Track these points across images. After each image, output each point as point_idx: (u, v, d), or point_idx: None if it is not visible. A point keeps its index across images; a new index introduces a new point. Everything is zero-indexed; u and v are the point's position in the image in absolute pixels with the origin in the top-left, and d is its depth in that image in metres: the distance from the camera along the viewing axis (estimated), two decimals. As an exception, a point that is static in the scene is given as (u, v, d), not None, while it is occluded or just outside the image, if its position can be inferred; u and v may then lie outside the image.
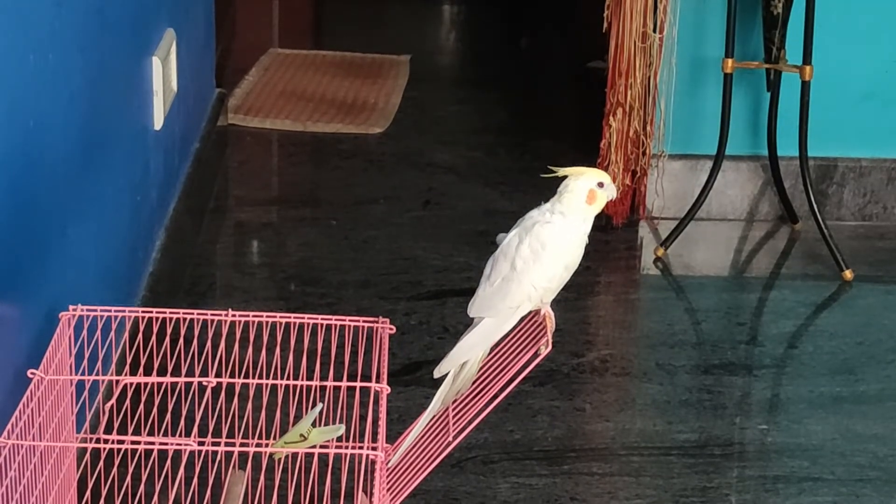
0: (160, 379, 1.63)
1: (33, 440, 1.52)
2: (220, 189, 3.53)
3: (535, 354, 1.70)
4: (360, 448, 1.61)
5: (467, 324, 1.76)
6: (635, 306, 3.07)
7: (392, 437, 1.90)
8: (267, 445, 1.71)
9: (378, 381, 1.66)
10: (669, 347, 2.80)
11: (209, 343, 1.76)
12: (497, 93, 4.33)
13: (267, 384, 1.66)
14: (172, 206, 2.91)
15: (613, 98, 3.29)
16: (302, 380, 1.72)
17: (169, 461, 1.69)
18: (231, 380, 1.66)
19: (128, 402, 1.73)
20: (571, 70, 4.52)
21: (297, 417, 1.70)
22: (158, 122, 2.70)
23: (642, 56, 3.25)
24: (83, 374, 1.74)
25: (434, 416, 1.80)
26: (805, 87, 3.18)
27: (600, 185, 1.71)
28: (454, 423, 1.76)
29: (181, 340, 1.85)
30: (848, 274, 3.13)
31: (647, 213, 3.42)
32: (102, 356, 1.81)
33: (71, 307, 1.72)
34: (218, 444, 1.78)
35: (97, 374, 1.79)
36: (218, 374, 1.76)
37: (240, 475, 1.86)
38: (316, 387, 1.77)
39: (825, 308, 3.06)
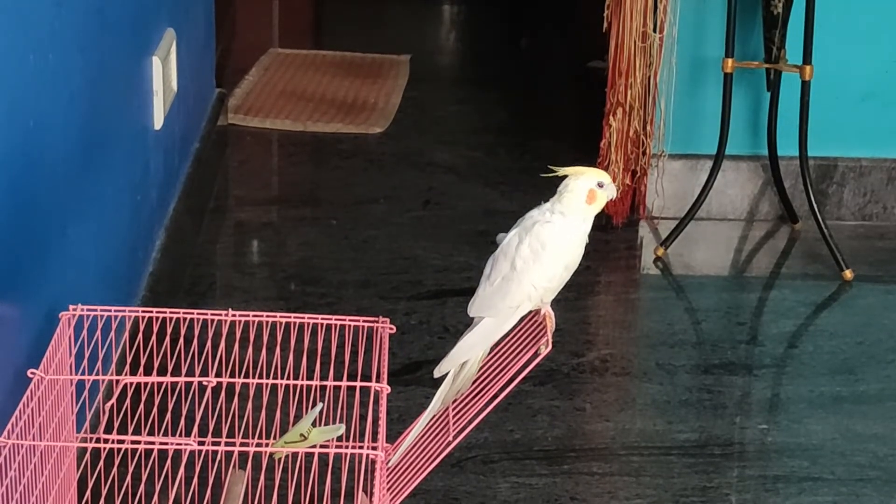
0: (160, 379, 1.63)
1: (33, 440, 1.52)
2: (220, 189, 3.53)
3: (535, 354, 1.70)
4: (361, 448, 1.61)
5: (467, 323, 1.76)
6: (635, 306, 3.07)
7: (392, 436, 1.90)
8: (267, 445, 1.71)
9: (378, 380, 1.66)
10: (669, 347, 2.80)
11: (209, 343, 1.76)
12: (497, 93, 4.33)
13: (267, 384, 1.66)
14: (172, 206, 2.91)
15: (613, 98, 3.29)
16: (302, 379, 1.72)
17: (169, 461, 1.69)
18: (231, 379, 1.66)
19: (128, 401, 1.73)
20: (571, 70, 4.52)
21: (298, 417, 1.70)
22: (158, 122, 2.70)
23: (642, 56, 3.25)
24: (83, 373, 1.74)
25: (434, 416, 1.80)
26: (805, 86, 3.18)
27: (600, 185, 1.71)
28: (454, 423, 1.76)
29: (181, 340, 1.85)
30: (848, 274, 3.13)
31: (647, 212, 3.42)
32: (102, 356, 1.81)
33: (71, 307, 1.72)
34: (218, 443, 1.78)
35: (97, 374, 1.79)
36: (218, 374, 1.76)
37: (240, 475, 1.86)
38: (316, 386, 1.77)
39: (825, 308, 3.06)
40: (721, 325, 2.93)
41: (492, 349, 1.78)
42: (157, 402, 1.76)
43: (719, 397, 2.62)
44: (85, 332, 1.74)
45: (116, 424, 1.68)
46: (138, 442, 1.55)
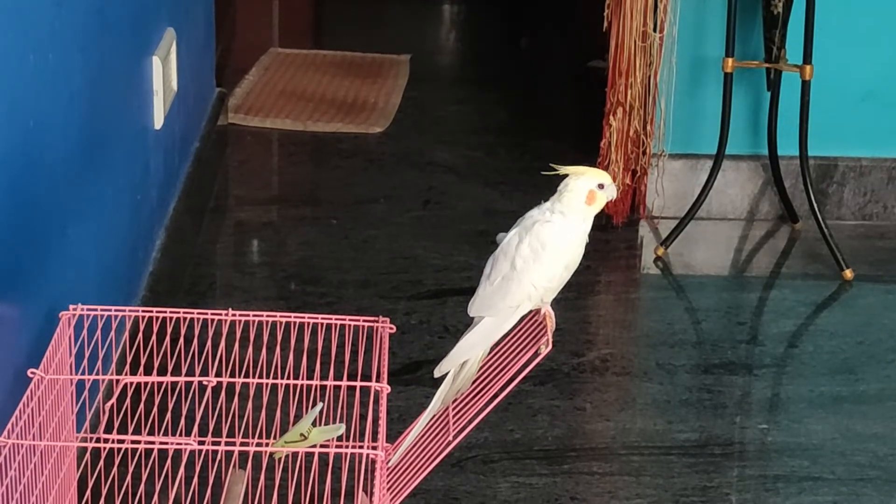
0: (160, 378, 1.63)
1: (33, 440, 1.52)
2: (221, 188, 3.53)
3: (536, 354, 1.70)
4: (361, 447, 1.61)
5: (467, 323, 1.76)
6: (635, 306, 3.07)
7: (392, 436, 1.90)
8: (267, 445, 1.71)
9: (378, 380, 1.66)
10: (670, 347, 2.80)
11: (209, 342, 1.76)
12: (497, 93, 4.33)
13: (267, 384, 1.66)
14: (172, 206, 2.91)
15: (613, 97, 3.29)
16: (302, 379, 1.72)
17: (169, 461, 1.69)
18: (231, 379, 1.66)
19: (128, 401, 1.73)
20: (571, 70, 4.52)
21: (298, 417, 1.70)
22: (158, 122, 2.70)
23: (642, 55, 3.25)
24: (83, 373, 1.74)
25: (434, 416, 1.80)
26: (805, 86, 3.18)
27: (600, 185, 1.71)
28: (454, 423, 1.76)
29: (181, 340, 1.85)
30: (848, 273, 3.13)
31: (648, 212, 3.42)
32: (102, 356, 1.81)
33: (71, 307, 1.72)
34: (218, 443, 1.78)
35: (97, 374, 1.79)
36: (218, 374, 1.76)
37: (240, 474, 1.86)
38: (316, 386, 1.77)
39: (825, 307, 3.06)
40: (721, 325, 2.93)
41: (492, 349, 1.78)
42: (157, 401, 1.76)
43: (719, 397, 2.62)
44: (85, 331, 1.74)
45: (116, 424, 1.68)
46: (138, 442, 1.55)
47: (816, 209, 3.19)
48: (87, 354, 1.74)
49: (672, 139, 3.38)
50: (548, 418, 2.51)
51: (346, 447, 1.63)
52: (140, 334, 1.81)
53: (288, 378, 1.72)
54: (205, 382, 1.61)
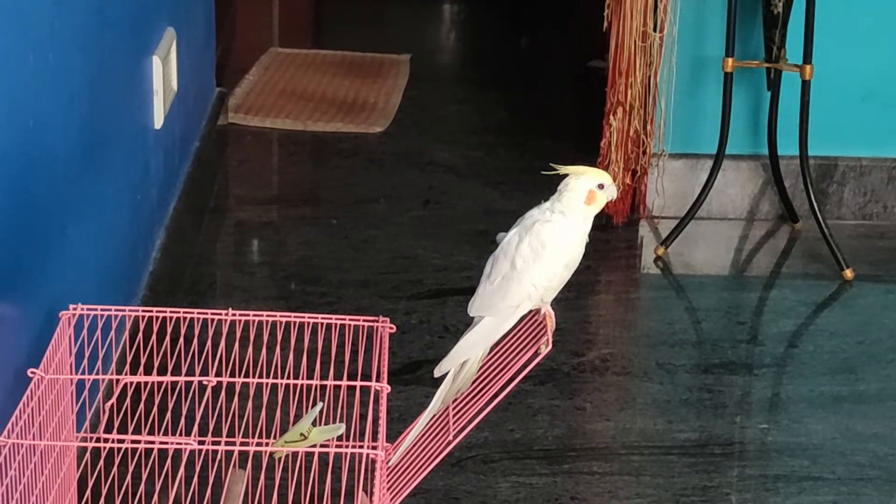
0: (160, 378, 1.63)
1: (33, 439, 1.52)
2: (221, 188, 3.53)
3: (536, 353, 1.70)
4: (361, 447, 1.61)
5: (467, 323, 1.76)
6: (636, 305, 3.07)
7: (392, 436, 1.90)
8: (267, 444, 1.71)
9: (378, 380, 1.66)
10: (670, 346, 2.80)
11: (209, 342, 1.76)
12: (497, 92, 4.33)
13: (267, 383, 1.66)
14: (172, 206, 2.91)
15: (614, 97, 3.29)
16: (302, 379, 1.72)
17: (169, 460, 1.69)
18: (231, 379, 1.66)
19: (128, 401, 1.73)
20: (571, 70, 4.52)
21: (298, 416, 1.70)
22: (158, 122, 2.70)
23: (642, 55, 3.25)
24: (83, 373, 1.74)
25: (434, 416, 1.80)
26: (805, 86, 3.18)
27: (600, 186, 1.71)
28: (454, 423, 1.76)
29: (181, 340, 1.85)
30: (848, 273, 3.13)
31: (648, 212, 3.42)
32: (102, 355, 1.81)
33: (71, 306, 1.72)
34: (218, 443, 1.78)
35: (97, 374, 1.79)
36: (218, 374, 1.76)
37: (240, 474, 1.86)
38: (316, 386, 1.77)
39: (825, 307, 3.06)
40: (721, 325, 2.93)
41: (492, 349, 1.78)
42: (157, 401, 1.76)
43: (719, 397, 2.62)
44: (85, 331, 1.74)
45: (116, 424, 1.68)
46: (138, 441, 1.55)
47: (816, 209, 3.19)
48: (87, 354, 1.74)
49: (672, 139, 3.38)
50: (548, 418, 2.51)
51: (346, 447, 1.63)
52: (140, 334, 1.81)
53: (288, 378, 1.72)
54: (205, 382, 1.61)
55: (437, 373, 1.75)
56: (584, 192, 1.70)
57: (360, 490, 1.60)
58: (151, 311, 1.80)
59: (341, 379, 1.67)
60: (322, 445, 1.60)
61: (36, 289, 1.83)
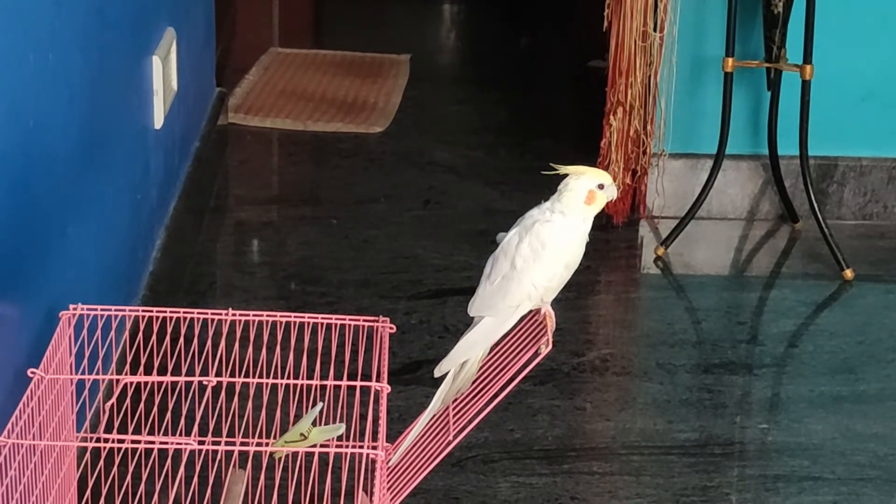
0: (160, 378, 1.63)
1: (33, 439, 1.52)
2: (221, 188, 3.53)
3: (536, 353, 1.70)
4: (361, 447, 1.61)
5: (467, 323, 1.76)
6: (636, 305, 3.07)
7: (392, 436, 1.90)
8: (267, 445, 1.71)
9: (378, 380, 1.66)
10: (670, 346, 2.80)
11: (209, 342, 1.76)
12: (497, 92, 4.33)
13: (267, 383, 1.66)
14: (172, 206, 2.91)
15: (614, 97, 3.29)
16: (302, 379, 1.72)
17: (169, 460, 1.69)
18: (231, 379, 1.66)
19: (128, 401, 1.73)
20: (571, 69, 4.52)
21: (298, 416, 1.70)
22: (158, 122, 2.70)
23: (643, 55, 3.24)
24: (83, 373, 1.74)
25: (434, 416, 1.80)
26: (805, 86, 3.18)
27: (600, 186, 1.71)
28: (454, 423, 1.76)
29: (181, 339, 1.85)
30: (848, 273, 3.13)
31: (648, 212, 3.42)
32: (102, 355, 1.81)
33: (71, 306, 1.72)
34: (218, 443, 1.78)
35: (97, 374, 1.79)
36: (218, 374, 1.76)
37: (240, 474, 1.86)
38: (316, 386, 1.77)
39: (825, 307, 3.06)
40: (721, 325, 2.93)
41: (492, 349, 1.78)
42: (157, 401, 1.76)
43: (719, 397, 2.62)
44: (85, 331, 1.74)
45: (116, 424, 1.68)
46: (138, 441, 1.55)
47: (816, 209, 3.19)
48: (87, 354, 1.74)
49: (672, 139, 3.38)
50: (548, 418, 2.51)
51: (346, 447, 1.63)
52: (140, 334, 1.81)
53: (288, 378, 1.72)
54: (205, 382, 1.61)
55: (437, 373, 1.75)
56: (584, 192, 1.70)
57: (360, 490, 1.60)
58: (151, 311, 1.80)
59: (341, 379, 1.67)
60: (322, 445, 1.60)
61: (36, 289, 1.83)
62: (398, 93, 4.24)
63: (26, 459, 1.50)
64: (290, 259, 3.14)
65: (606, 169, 3.24)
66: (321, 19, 5.31)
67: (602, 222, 3.32)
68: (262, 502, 1.76)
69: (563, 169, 1.72)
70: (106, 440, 1.56)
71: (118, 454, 1.67)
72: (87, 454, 1.74)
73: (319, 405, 1.66)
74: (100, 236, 2.24)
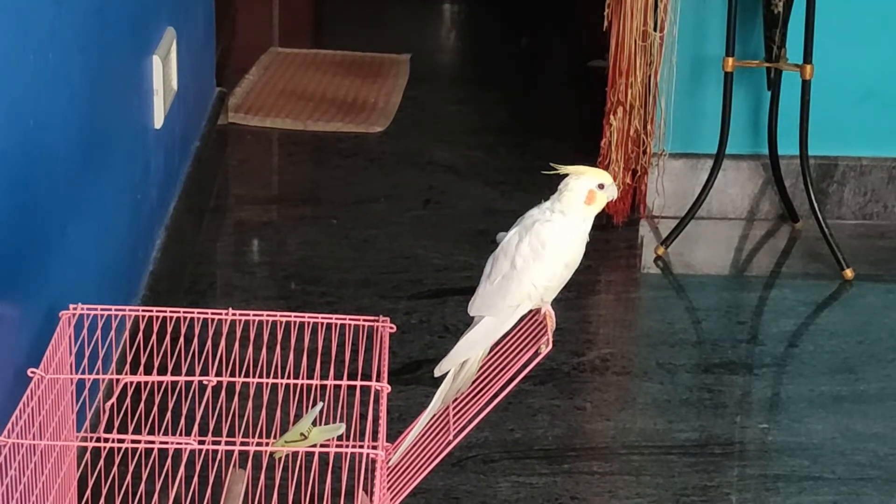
0: (160, 378, 1.63)
1: (33, 439, 1.52)
2: (221, 188, 3.53)
3: (536, 353, 1.70)
4: (361, 447, 1.61)
5: (468, 322, 1.76)
6: (636, 305, 3.07)
7: (392, 435, 1.90)
8: (267, 444, 1.71)
9: (378, 379, 1.66)
10: (670, 346, 2.80)
11: (209, 342, 1.76)
12: (497, 92, 4.33)
13: (267, 383, 1.66)
14: (173, 205, 2.91)
15: (614, 97, 3.29)
16: (302, 379, 1.72)
17: (169, 460, 1.69)
18: (231, 379, 1.66)
19: (128, 400, 1.73)
20: (571, 69, 4.52)
21: (298, 416, 1.70)
22: (159, 122, 2.70)
23: (643, 55, 3.24)
24: (83, 372, 1.74)
25: (434, 415, 1.80)
26: (806, 85, 3.18)
27: (600, 185, 1.71)
28: (454, 422, 1.76)
29: (181, 339, 1.85)
30: (848, 273, 3.13)
31: (648, 211, 3.42)
32: (103, 355, 1.81)
33: (71, 306, 1.72)
34: (218, 442, 1.78)
35: (97, 373, 1.79)
36: (218, 373, 1.76)
37: (240, 474, 1.86)
38: (316, 386, 1.77)
39: (826, 307, 3.06)
40: (721, 325, 2.93)
41: (492, 348, 1.78)
42: (157, 401, 1.76)
43: (720, 396, 2.62)
44: (85, 331, 1.74)
45: (116, 423, 1.68)
46: (138, 441, 1.55)
47: (817, 209, 3.19)
48: (87, 354, 1.74)
49: (672, 139, 3.38)
50: (548, 418, 2.51)
51: (347, 447, 1.63)
52: (140, 334, 1.81)
53: (288, 377, 1.72)
54: (205, 382, 1.61)
55: (437, 372, 1.75)
56: (584, 192, 1.70)
57: (360, 490, 1.60)
58: (151, 311, 1.80)
59: (341, 379, 1.67)
60: (322, 445, 1.60)
61: (36, 289, 1.83)
62: (398, 93, 4.24)
63: (26, 459, 1.50)
64: (290, 259, 3.14)
65: (606, 169, 3.24)
66: (321, 19, 5.32)
67: (602, 222, 3.32)
68: (263, 502, 1.76)
69: (563, 169, 1.72)
70: (106, 440, 1.56)
71: (118, 454, 1.67)
72: (87, 454, 1.74)
73: (319, 405, 1.66)
74: (100, 236, 2.24)
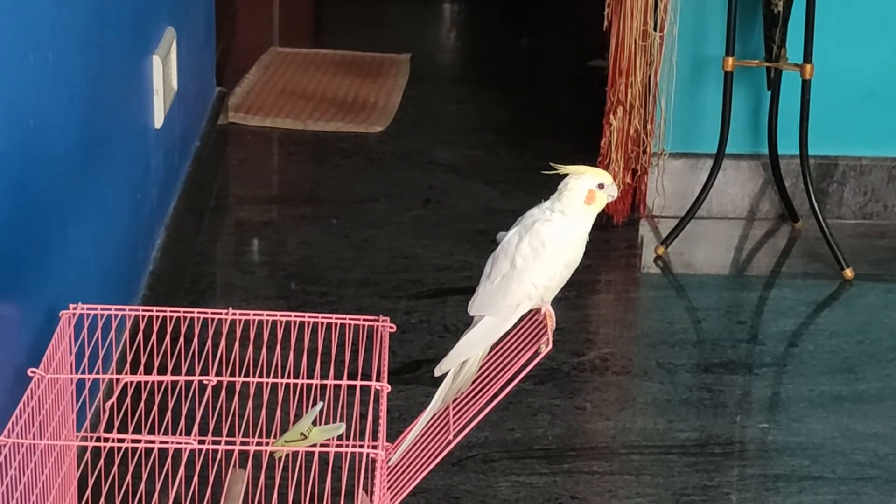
0: (160, 377, 1.63)
1: (34, 439, 1.52)
2: (221, 188, 3.53)
3: (536, 353, 1.70)
4: (361, 447, 1.61)
5: (468, 322, 1.76)
6: (636, 305, 3.07)
7: (392, 435, 1.90)
8: (267, 444, 1.71)
9: (378, 379, 1.66)
10: (670, 346, 2.80)
11: (209, 342, 1.76)
12: (497, 92, 4.33)
13: (267, 383, 1.66)
14: (173, 205, 2.91)
15: (614, 97, 3.29)
16: (302, 378, 1.72)
17: (169, 460, 1.69)
18: (231, 378, 1.66)
19: (128, 400, 1.73)
20: (571, 69, 4.52)
21: (298, 416, 1.70)
22: (159, 121, 2.70)
23: (643, 54, 3.24)
24: (83, 372, 1.74)
25: (434, 415, 1.80)
26: (805, 85, 3.18)
27: (600, 185, 1.71)
28: (454, 422, 1.76)
29: (181, 339, 1.85)
30: (848, 272, 3.13)
31: (648, 211, 3.42)
32: (103, 355, 1.81)
33: (71, 306, 1.72)
34: (218, 442, 1.78)
35: (97, 373, 1.79)
36: (218, 373, 1.76)
37: (240, 474, 1.86)
38: (316, 385, 1.77)
39: (826, 307, 3.06)
40: (721, 324, 2.93)
41: (492, 348, 1.78)
42: (157, 400, 1.76)
43: (720, 396, 2.62)
44: (85, 330, 1.74)
45: (117, 423, 1.68)
46: (138, 441, 1.55)
47: (817, 208, 3.19)
48: (87, 353, 1.74)
49: (672, 138, 3.38)
50: (548, 417, 2.51)
51: (347, 446, 1.63)
52: (140, 333, 1.81)
53: (288, 377, 1.72)
54: (205, 381, 1.61)
55: (437, 372, 1.75)
56: (584, 192, 1.70)
57: (360, 490, 1.60)
58: (151, 311, 1.80)
59: (341, 378, 1.67)
60: (322, 445, 1.60)
61: (36, 289, 1.83)
62: (398, 92, 4.24)
63: (26, 459, 1.50)
64: (290, 258, 3.14)
65: (606, 168, 3.24)
66: (321, 19, 5.31)
67: (602, 222, 3.32)
68: (262, 502, 1.76)
69: (563, 168, 1.72)
70: (106, 439, 1.56)
71: (118, 453, 1.67)
72: (87, 454, 1.74)
73: (319, 405, 1.66)
74: (100, 236, 2.24)
